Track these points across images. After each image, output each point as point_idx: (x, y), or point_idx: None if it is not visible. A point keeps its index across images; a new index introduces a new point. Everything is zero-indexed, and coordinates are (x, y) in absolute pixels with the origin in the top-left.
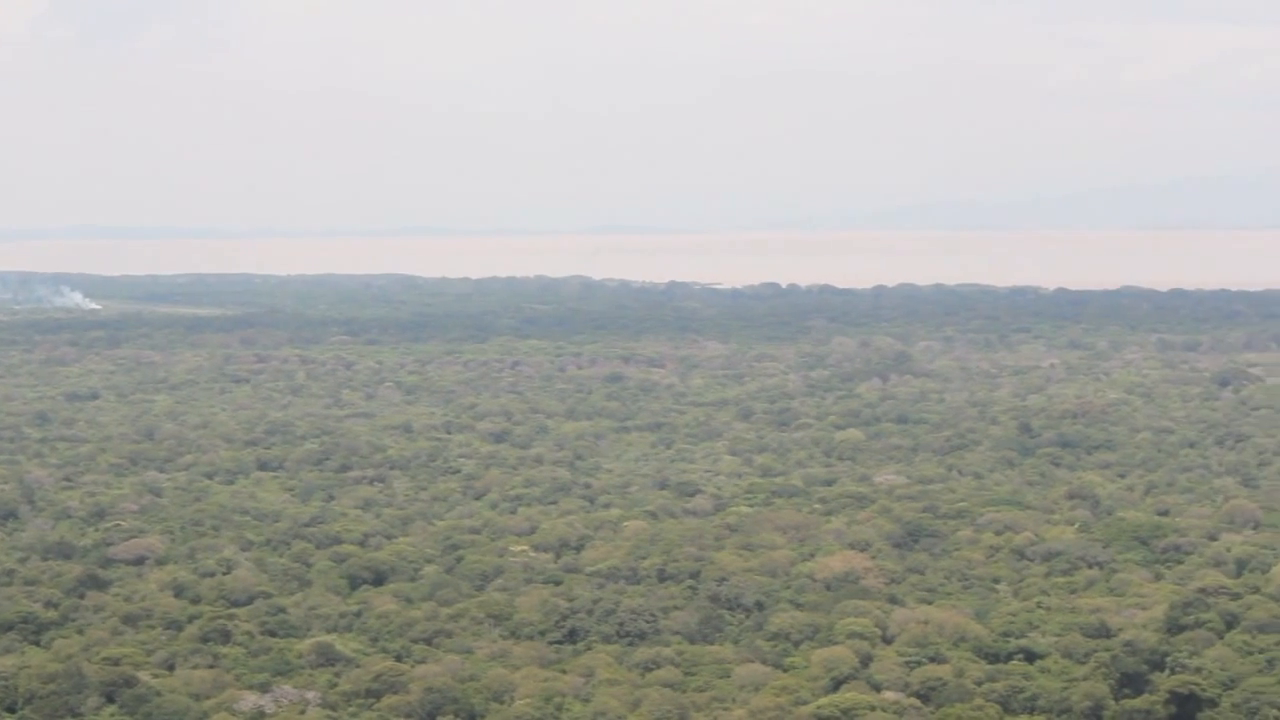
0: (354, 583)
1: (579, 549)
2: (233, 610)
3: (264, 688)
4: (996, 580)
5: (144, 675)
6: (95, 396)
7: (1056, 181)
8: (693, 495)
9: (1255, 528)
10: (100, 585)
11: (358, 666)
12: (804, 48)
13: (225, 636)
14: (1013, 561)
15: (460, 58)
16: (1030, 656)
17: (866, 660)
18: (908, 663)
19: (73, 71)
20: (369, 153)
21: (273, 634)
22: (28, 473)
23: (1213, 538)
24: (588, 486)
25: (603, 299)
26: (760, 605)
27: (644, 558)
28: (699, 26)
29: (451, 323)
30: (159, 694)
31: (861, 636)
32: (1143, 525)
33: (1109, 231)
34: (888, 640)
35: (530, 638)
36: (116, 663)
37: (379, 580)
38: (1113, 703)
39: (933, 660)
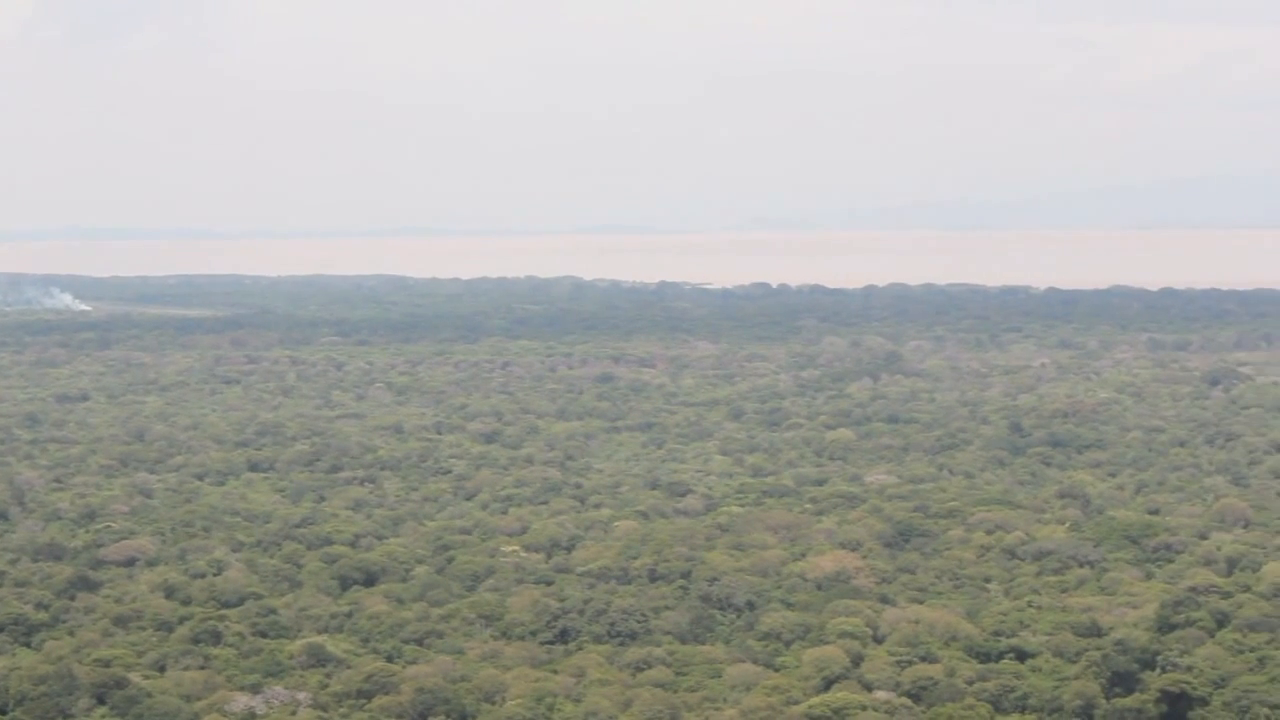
0: (345, 583)
1: (570, 549)
2: (224, 611)
3: (255, 689)
4: (987, 579)
5: (135, 677)
6: (85, 398)
7: (1048, 181)
8: (684, 495)
9: (1245, 526)
10: (91, 587)
11: (349, 667)
12: (794, 48)
13: (216, 638)
14: (1004, 561)
15: (452, 59)
16: (1021, 656)
17: (858, 660)
18: (899, 662)
19: (62, 72)
20: (359, 153)
21: (264, 635)
22: (18, 474)
23: (1203, 536)
24: (579, 487)
25: (593, 299)
26: (751, 605)
27: (635, 558)
28: (689, 27)
29: (442, 323)
30: (150, 695)
31: (853, 636)
32: (1133, 524)
33: (1100, 231)
34: (879, 640)
35: (521, 638)
36: (107, 664)
37: (370, 581)
38: (1104, 701)
39: (924, 659)
